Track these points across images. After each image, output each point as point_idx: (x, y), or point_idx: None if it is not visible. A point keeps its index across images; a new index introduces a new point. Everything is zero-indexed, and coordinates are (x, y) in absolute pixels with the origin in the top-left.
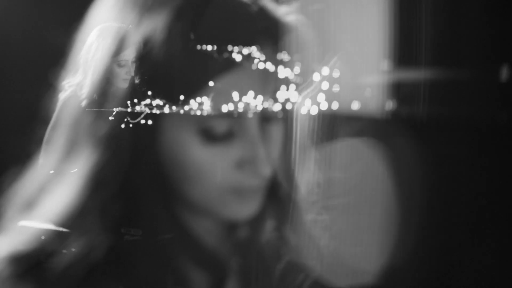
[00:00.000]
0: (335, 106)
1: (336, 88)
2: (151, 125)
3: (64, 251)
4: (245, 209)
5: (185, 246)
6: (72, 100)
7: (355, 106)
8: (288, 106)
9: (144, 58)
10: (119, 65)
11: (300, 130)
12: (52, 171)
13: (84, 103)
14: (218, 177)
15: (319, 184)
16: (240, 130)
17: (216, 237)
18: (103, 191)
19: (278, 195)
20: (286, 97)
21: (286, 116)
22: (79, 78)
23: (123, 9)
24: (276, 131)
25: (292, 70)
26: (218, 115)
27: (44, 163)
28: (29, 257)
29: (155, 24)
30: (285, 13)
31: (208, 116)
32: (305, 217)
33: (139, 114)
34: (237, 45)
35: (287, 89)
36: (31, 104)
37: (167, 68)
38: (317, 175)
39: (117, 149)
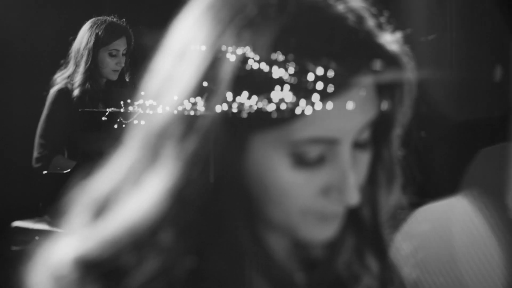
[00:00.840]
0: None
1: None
2: (239, 143)
3: (142, 265)
4: (324, 232)
5: (262, 265)
6: (159, 110)
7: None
8: (377, 133)
9: (242, 79)
10: (110, 55)
11: (386, 155)
12: (126, 177)
13: (76, 93)
14: (302, 201)
15: (403, 208)
16: (332, 156)
17: (288, 254)
18: (187, 208)
19: (359, 218)
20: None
21: (376, 142)
22: (71, 70)
23: (215, 27)
24: (365, 157)
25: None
26: (315, 140)
27: (118, 167)
28: (100, 265)
29: (257, 43)
30: (390, 42)
31: (303, 141)
32: (387, 242)
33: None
34: (341, 70)
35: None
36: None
37: (265, 87)
38: (402, 199)
39: (205, 167)
